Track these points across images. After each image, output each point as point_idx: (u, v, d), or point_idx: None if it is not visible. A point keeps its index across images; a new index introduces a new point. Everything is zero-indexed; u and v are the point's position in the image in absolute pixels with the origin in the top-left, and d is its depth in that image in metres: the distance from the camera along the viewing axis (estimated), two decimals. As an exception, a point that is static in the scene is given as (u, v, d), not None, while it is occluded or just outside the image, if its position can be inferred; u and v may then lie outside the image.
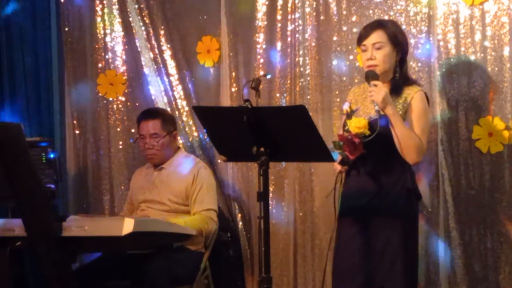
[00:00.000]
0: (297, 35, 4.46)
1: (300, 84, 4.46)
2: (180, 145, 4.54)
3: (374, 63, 3.39)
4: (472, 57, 3.95)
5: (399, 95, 3.41)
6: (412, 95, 3.39)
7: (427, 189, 4.05)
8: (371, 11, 4.21)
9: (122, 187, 5.04)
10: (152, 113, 4.30)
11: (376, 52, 3.40)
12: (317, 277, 4.37)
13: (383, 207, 3.37)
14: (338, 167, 3.40)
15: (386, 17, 4.15)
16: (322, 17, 4.37)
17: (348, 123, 3.33)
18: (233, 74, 4.71)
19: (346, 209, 3.44)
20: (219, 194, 4.54)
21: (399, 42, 3.44)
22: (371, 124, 3.30)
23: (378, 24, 3.47)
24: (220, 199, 4.58)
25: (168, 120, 4.26)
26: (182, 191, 4.13)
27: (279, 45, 4.52)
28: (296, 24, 4.46)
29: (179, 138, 4.58)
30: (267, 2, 4.56)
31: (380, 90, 3.28)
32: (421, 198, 3.60)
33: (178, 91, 4.89)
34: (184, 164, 4.22)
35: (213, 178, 4.25)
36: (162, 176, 4.22)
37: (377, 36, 3.40)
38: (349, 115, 3.37)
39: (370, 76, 3.35)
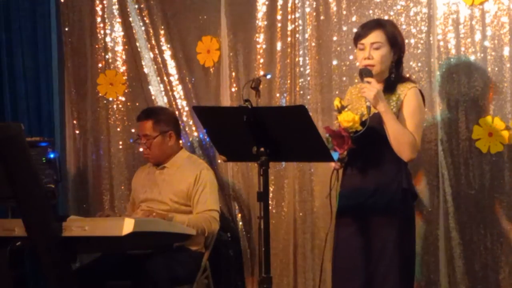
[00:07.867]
0: (297, 35, 4.45)
1: (300, 84, 4.46)
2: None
3: (371, 63, 3.38)
4: (472, 57, 3.95)
5: (393, 93, 3.40)
6: (406, 92, 3.39)
7: (426, 189, 4.06)
8: (371, 11, 4.21)
9: (122, 187, 5.04)
10: (146, 113, 4.26)
11: (374, 52, 3.38)
12: (317, 277, 4.35)
13: (378, 207, 3.36)
14: (332, 164, 3.42)
15: (386, 17, 4.14)
16: (322, 17, 4.37)
17: (338, 117, 3.35)
18: (233, 74, 4.71)
19: (343, 208, 3.46)
20: (219, 194, 4.54)
21: (397, 43, 3.42)
22: (365, 122, 3.30)
23: (378, 24, 3.45)
24: (220, 199, 4.56)
25: (162, 120, 4.19)
26: (183, 191, 4.12)
27: (279, 45, 4.52)
28: (296, 24, 4.46)
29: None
30: (267, 2, 4.56)
31: (372, 87, 3.28)
32: (418, 198, 3.60)
33: (178, 91, 4.89)
34: (187, 164, 4.21)
35: (215, 178, 4.24)
36: (164, 175, 4.22)
37: (376, 36, 3.39)
38: (340, 109, 3.37)
39: (364, 73, 3.35)
